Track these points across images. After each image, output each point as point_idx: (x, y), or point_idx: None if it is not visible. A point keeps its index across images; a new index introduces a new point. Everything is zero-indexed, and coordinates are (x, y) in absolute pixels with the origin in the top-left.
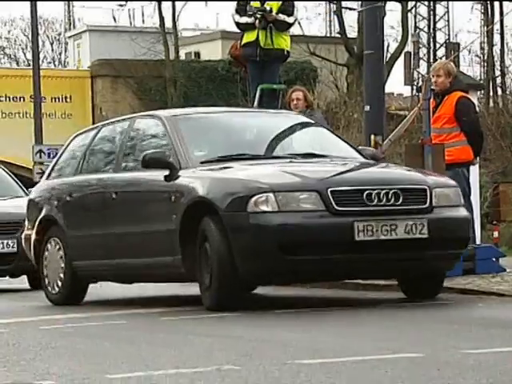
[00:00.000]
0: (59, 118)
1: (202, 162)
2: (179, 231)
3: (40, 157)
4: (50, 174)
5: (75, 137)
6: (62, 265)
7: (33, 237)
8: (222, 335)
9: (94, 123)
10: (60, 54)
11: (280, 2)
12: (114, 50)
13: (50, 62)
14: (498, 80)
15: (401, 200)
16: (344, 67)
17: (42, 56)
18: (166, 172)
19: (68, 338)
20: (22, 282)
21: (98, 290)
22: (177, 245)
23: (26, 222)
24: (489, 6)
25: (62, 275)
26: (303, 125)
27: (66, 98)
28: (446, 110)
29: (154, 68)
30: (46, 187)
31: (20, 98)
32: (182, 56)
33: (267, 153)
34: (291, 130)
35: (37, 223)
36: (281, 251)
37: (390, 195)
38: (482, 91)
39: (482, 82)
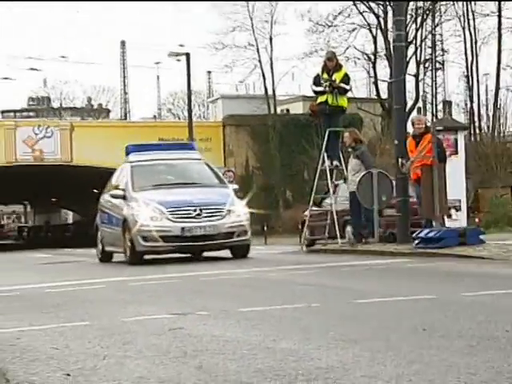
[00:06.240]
0: (204, 151)
1: None
2: None
3: None
4: None
5: None
6: None
7: None
8: (312, 284)
9: (224, 155)
10: (204, 112)
11: (342, 75)
12: (236, 109)
13: (198, 117)
14: (477, 124)
15: None
16: (379, 117)
17: (193, 114)
18: None
19: (216, 285)
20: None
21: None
22: None
23: None
24: (470, 79)
25: None
26: None
27: (208, 139)
28: (424, 145)
29: (261, 120)
30: None
31: (180, 140)
32: (278, 111)
33: None
34: None
35: None
36: None
37: None
38: (467, 131)
39: (466, 125)
